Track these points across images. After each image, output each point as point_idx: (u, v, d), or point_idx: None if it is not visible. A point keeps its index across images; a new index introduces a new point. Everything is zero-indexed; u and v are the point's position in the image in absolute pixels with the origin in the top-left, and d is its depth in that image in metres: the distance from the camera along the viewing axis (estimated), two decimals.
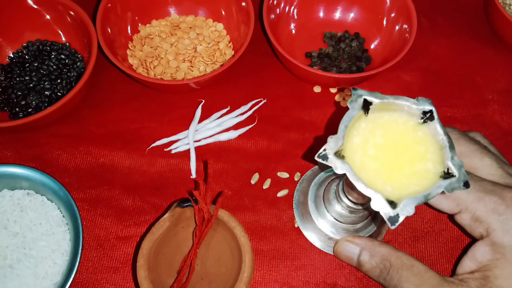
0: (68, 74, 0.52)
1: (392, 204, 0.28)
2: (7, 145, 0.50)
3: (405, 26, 0.52)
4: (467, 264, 0.38)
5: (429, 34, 0.58)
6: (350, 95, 0.32)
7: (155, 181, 0.49)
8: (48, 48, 0.53)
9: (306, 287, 0.44)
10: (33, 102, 0.50)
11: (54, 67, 0.52)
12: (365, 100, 0.31)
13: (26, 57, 0.53)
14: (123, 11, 0.54)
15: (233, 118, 0.52)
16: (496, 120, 0.53)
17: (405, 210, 0.28)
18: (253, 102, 0.53)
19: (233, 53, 0.55)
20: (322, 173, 0.47)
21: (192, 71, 0.53)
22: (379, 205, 0.28)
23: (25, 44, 0.54)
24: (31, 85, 0.51)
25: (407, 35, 0.50)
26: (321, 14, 0.58)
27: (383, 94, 0.32)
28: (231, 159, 0.50)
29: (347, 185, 0.38)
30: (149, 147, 0.50)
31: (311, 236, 0.45)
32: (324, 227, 0.44)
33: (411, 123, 0.32)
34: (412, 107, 0.32)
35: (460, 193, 0.37)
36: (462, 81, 0.55)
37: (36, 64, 0.52)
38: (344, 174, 0.29)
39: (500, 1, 0.56)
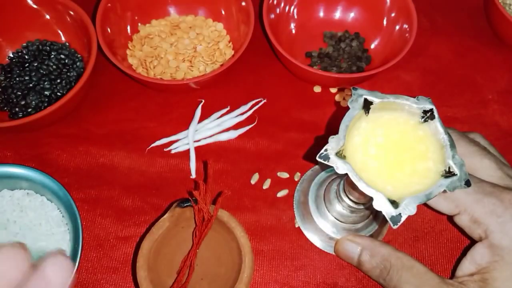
0: (68, 74, 0.52)
1: (394, 203, 0.28)
2: (7, 145, 0.50)
3: (405, 26, 0.52)
4: (467, 266, 0.38)
5: (429, 34, 0.58)
6: (351, 95, 0.32)
7: (155, 181, 0.48)
8: (48, 48, 0.53)
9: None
10: (33, 102, 0.50)
11: (54, 67, 0.52)
12: (365, 99, 0.31)
13: (26, 57, 0.53)
14: (123, 11, 0.54)
15: (233, 118, 0.51)
16: (496, 120, 0.53)
17: (407, 210, 0.28)
18: (253, 102, 0.52)
19: (233, 53, 0.55)
20: (323, 173, 0.47)
21: (192, 71, 0.53)
22: (381, 204, 0.28)
23: (25, 44, 0.54)
24: (31, 85, 0.51)
25: (407, 35, 0.50)
26: (321, 14, 0.58)
27: (383, 94, 0.32)
28: (231, 159, 0.50)
29: (348, 185, 0.38)
30: (149, 147, 0.50)
31: (311, 236, 0.45)
32: (325, 227, 0.44)
33: (412, 122, 0.32)
34: (412, 106, 0.32)
35: (459, 194, 0.37)
36: (462, 81, 0.55)
37: (36, 64, 0.52)
38: (345, 174, 0.29)
39: (500, 1, 0.56)
